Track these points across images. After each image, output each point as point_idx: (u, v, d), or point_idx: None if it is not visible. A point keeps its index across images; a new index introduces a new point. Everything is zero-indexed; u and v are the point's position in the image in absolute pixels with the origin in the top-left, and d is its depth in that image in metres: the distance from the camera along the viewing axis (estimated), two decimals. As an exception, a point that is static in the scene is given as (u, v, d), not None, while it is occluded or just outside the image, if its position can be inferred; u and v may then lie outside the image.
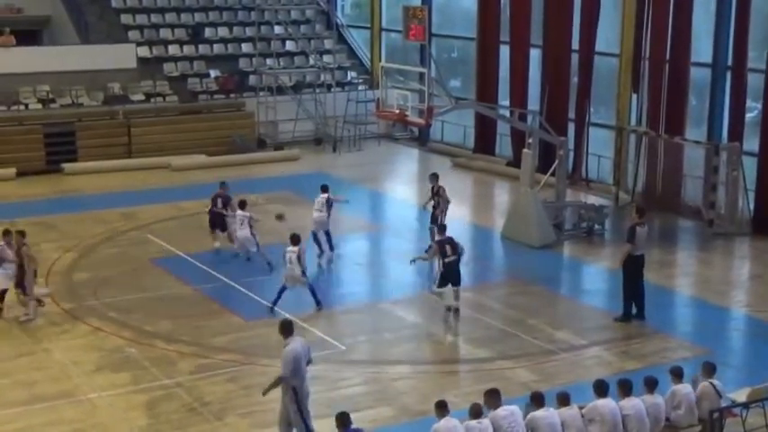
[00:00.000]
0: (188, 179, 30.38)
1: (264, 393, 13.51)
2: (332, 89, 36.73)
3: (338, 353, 17.33)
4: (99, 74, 34.01)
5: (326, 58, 38.30)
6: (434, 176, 23.48)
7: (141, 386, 15.89)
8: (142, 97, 34.63)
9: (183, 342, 17.65)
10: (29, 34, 36.55)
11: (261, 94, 35.79)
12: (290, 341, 13.20)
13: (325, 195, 22.61)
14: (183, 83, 35.89)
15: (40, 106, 33.16)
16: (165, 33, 37.61)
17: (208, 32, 38.23)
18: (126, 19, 37.60)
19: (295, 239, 19.13)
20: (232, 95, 36.07)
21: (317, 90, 36.39)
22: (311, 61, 37.69)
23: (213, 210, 22.89)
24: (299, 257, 19.00)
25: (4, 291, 18.88)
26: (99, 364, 16.75)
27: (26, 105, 33.00)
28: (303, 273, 19.08)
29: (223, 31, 38.50)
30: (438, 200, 23.07)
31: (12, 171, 30.58)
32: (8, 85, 32.82)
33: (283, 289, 19.06)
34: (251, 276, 20.88)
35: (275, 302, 19.08)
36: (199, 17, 38.64)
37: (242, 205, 22.15)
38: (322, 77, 36.86)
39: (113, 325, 18.48)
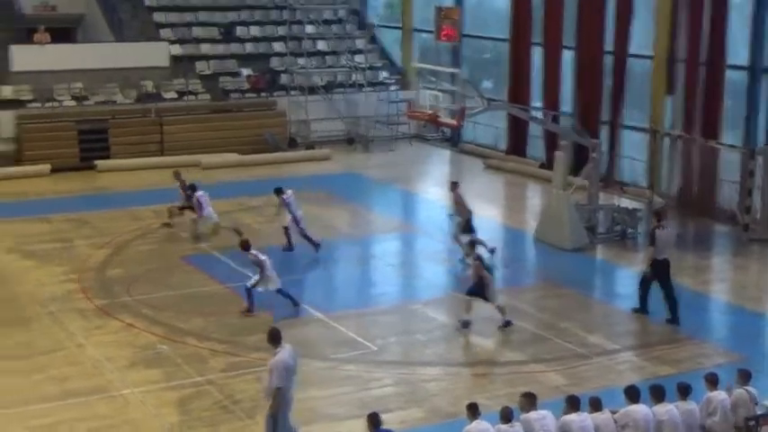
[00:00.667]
0: (219, 177, 30.42)
1: (273, 414, 13.25)
2: (363, 89, 36.72)
3: (369, 353, 17.30)
4: (132, 72, 34.18)
5: (358, 58, 38.28)
6: (453, 184, 23.44)
7: (173, 383, 15.92)
8: (174, 95, 34.76)
9: (214, 340, 17.68)
10: (63, 32, 36.81)
11: (292, 93, 35.83)
12: (278, 350, 13.12)
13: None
14: (214, 81, 35.99)
15: (74, 103, 33.38)
16: (197, 32, 37.75)
17: (240, 31, 38.32)
18: (159, 17, 37.76)
19: (246, 245, 19.35)
20: (263, 94, 36.14)
21: (349, 90, 36.40)
22: (343, 61, 37.72)
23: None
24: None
25: None
26: (132, 360, 16.81)
27: (60, 102, 33.21)
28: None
29: (255, 30, 38.58)
30: (457, 208, 23.01)
31: (46, 167, 30.79)
32: (43, 83, 33.06)
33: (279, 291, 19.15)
34: (282, 276, 20.88)
35: (295, 302, 19.18)
36: (231, 16, 38.75)
37: (193, 188, 23.95)
38: (353, 77, 36.88)
39: (146, 321, 18.55)
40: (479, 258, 19.01)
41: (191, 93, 34.92)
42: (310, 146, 35.09)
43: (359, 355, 17.11)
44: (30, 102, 32.81)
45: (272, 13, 39.24)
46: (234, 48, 37.56)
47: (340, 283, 22.13)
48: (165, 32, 37.06)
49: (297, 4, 37.55)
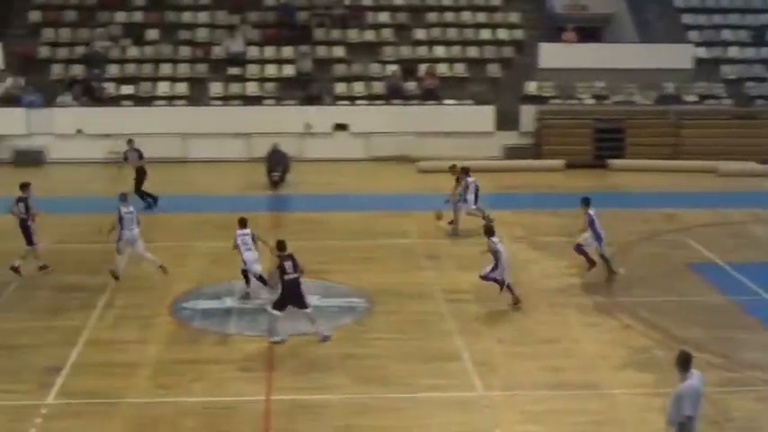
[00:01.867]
0: (735, 186, 29.37)
1: None
2: None
3: None
4: (653, 73, 34.04)
5: None
6: None
7: (662, 390, 15.52)
8: (695, 99, 34.08)
9: (710, 352, 17.04)
10: (591, 31, 37.51)
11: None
12: (688, 376, 12.15)
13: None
14: (739, 86, 34.75)
15: (593, 102, 33.98)
16: (725, 34, 36.65)
17: (772, 35, 36.64)
18: (687, 19, 37.20)
19: (489, 230, 19.24)
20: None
21: None
22: None
23: None
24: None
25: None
26: (625, 360, 16.75)
27: (581, 100, 33.97)
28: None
29: (788, 35, 36.66)
30: None
31: (560, 162, 31.69)
32: (566, 80, 34.04)
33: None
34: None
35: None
36: (764, 18, 37.12)
37: (466, 172, 23.27)
38: None
39: (643, 324, 18.41)
40: None
41: (713, 97, 34.03)
42: None
43: None
44: (551, 98, 33.96)
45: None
46: (764, 52, 35.97)
47: None
48: (692, 34, 36.43)
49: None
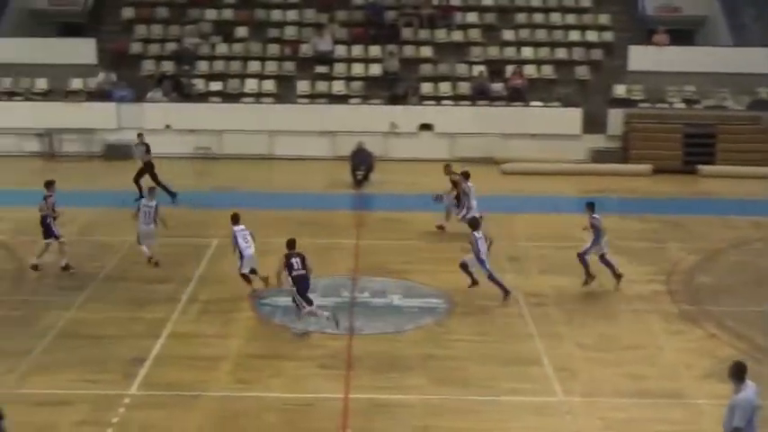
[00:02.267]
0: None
1: None
2: None
3: None
4: (747, 77, 33.28)
5: None
6: None
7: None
8: (793, 104, 33.30)
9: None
10: (683, 34, 36.80)
11: None
12: (743, 388, 11.77)
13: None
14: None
15: (683, 106, 33.39)
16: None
17: None
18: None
19: (474, 225, 19.64)
20: None
21: None
22: None
23: None
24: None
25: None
26: (709, 370, 16.37)
27: (671, 104, 33.40)
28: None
29: None
30: None
31: (648, 167, 31.18)
32: (657, 84, 33.52)
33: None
34: None
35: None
36: None
37: (467, 176, 23.07)
38: None
39: (728, 334, 18.02)
40: None
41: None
42: None
43: None
44: (640, 102, 33.46)
45: None
46: None
47: None
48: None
49: None
